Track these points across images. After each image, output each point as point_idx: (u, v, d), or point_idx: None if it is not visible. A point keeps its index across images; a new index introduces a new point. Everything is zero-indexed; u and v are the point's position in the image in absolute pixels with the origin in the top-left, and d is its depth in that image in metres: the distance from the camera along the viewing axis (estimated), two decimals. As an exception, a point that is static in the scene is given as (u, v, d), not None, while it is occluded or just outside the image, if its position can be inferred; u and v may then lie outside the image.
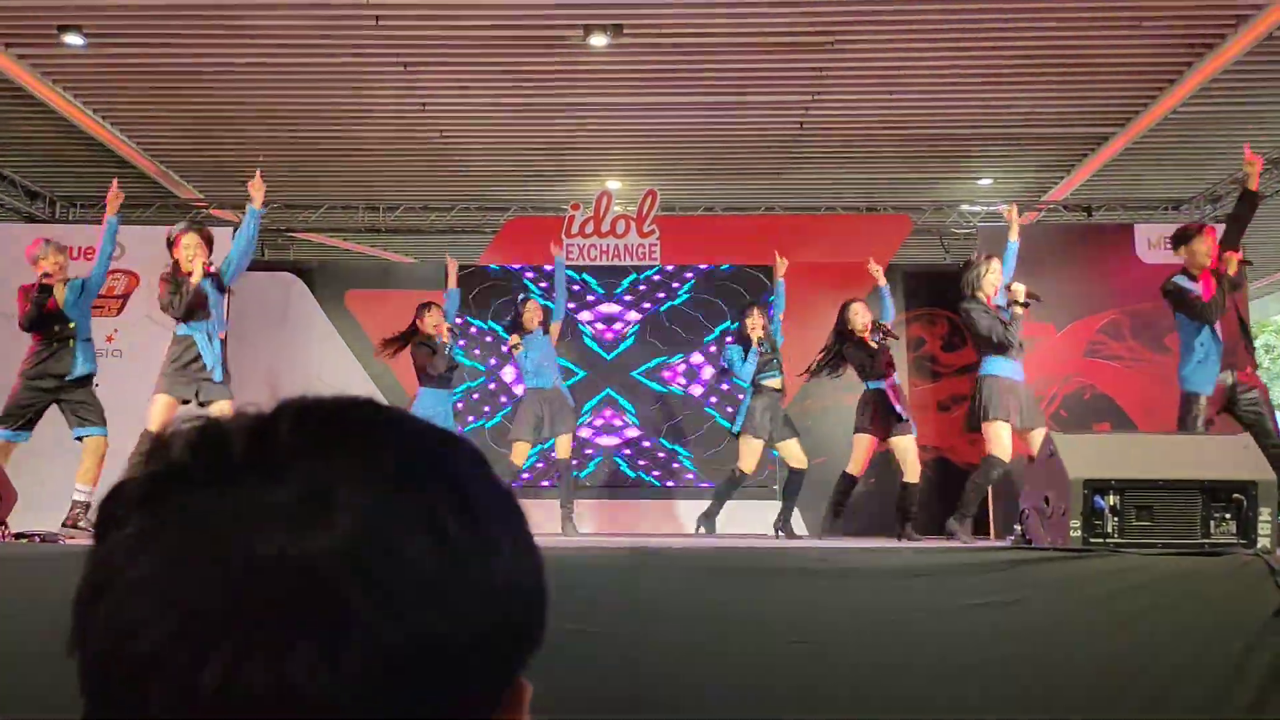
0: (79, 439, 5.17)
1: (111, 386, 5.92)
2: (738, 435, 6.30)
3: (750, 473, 6.24)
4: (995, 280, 5.47)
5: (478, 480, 0.50)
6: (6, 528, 3.43)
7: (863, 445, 6.01)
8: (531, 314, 6.48)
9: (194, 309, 5.19)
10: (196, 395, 5.17)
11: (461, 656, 0.45)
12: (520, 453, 6.38)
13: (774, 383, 6.27)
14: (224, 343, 5.34)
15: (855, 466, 6.02)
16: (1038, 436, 4.95)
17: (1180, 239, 5.31)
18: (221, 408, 5.17)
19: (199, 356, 5.16)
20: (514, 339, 6.47)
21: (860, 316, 6.18)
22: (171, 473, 0.46)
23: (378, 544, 0.44)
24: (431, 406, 6.18)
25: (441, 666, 0.45)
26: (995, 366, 5.36)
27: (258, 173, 5.39)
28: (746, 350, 6.26)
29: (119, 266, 7.71)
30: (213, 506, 0.44)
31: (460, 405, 7.92)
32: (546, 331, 6.56)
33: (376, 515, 0.45)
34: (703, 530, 6.24)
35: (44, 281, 5.20)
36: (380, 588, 0.43)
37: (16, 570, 2.72)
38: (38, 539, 3.43)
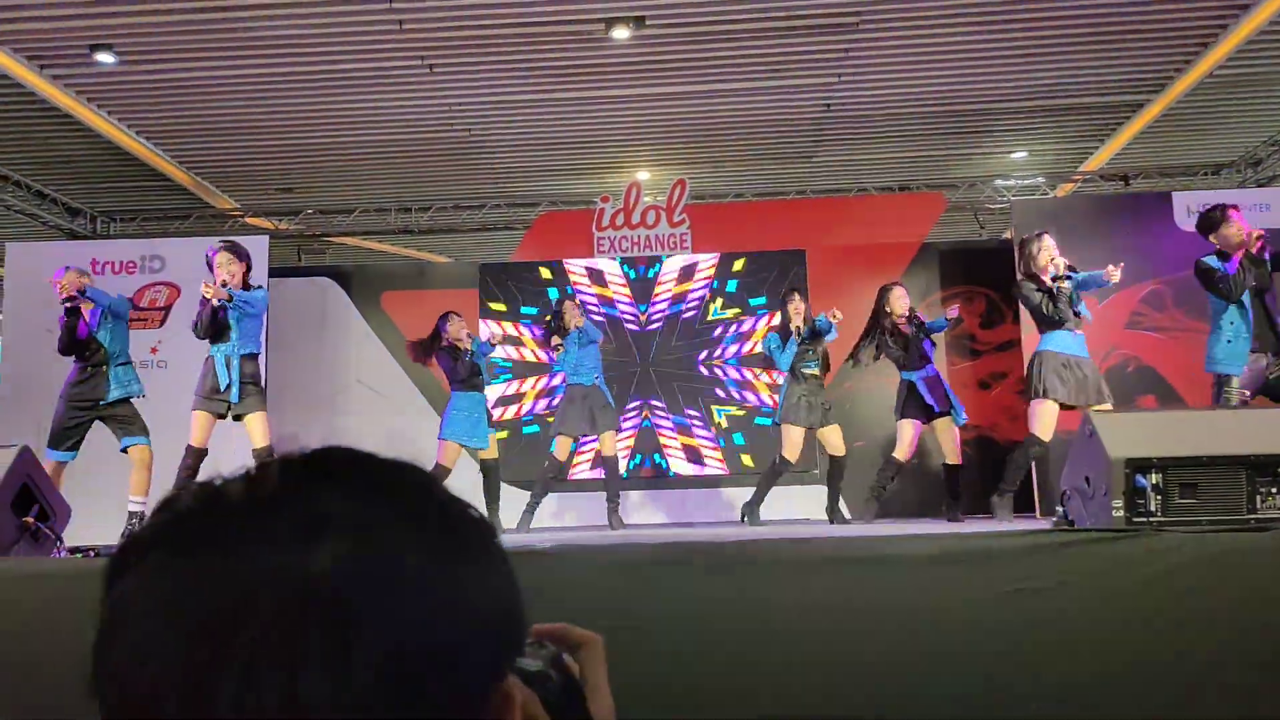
0: (124, 450, 5.30)
1: (157, 397, 6.05)
2: (779, 424, 6.32)
3: (793, 460, 6.23)
4: (1048, 256, 5.37)
5: (446, 502, 0.54)
6: (62, 543, 3.52)
7: (906, 431, 6.07)
8: (570, 314, 6.51)
9: (213, 331, 5.36)
10: (228, 410, 5.31)
11: (457, 659, 0.49)
12: (563, 448, 6.44)
13: (813, 370, 6.24)
14: (253, 358, 5.41)
15: (900, 451, 6.05)
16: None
17: (1206, 227, 5.18)
18: (253, 419, 5.30)
19: (219, 377, 5.32)
20: (555, 340, 6.55)
21: (899, 302, 6.14)
22: (178, 519, 0.49)
23: (375, 554, 0.48)
24: (465, 409, 6.29)
25: (440, 671, 0.48)
26: (1048, 342, 5.34)
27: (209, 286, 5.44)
28: (785, 338, 6.24)
29: (160, 279, 7.85)
30: (217, 541, 0.47)
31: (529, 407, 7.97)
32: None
33: (370, 530, 0.48)
34: (746, 520, 6.25)
35: (68, 305, 5.33)
36: (382, 594, 0.47)
37: (74, 586, 2.79)
38: (93, 554, 3.52)
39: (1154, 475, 2.86)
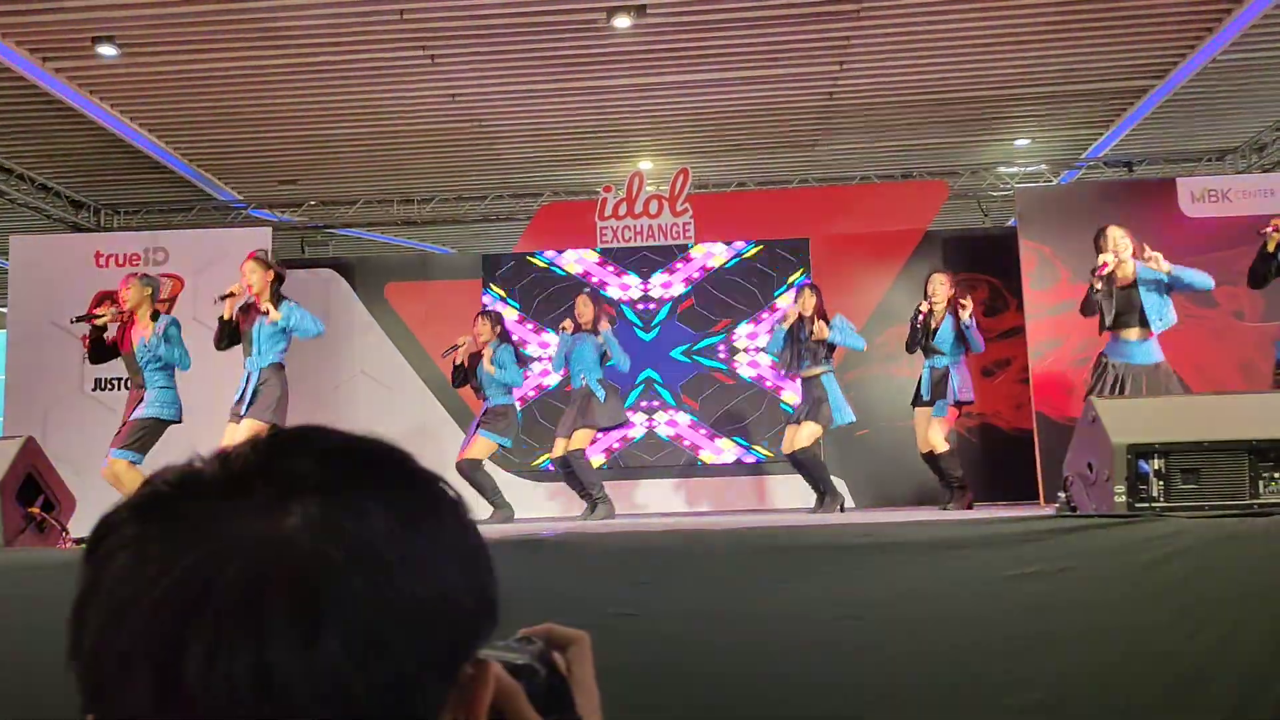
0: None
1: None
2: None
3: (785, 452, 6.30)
4: (1110, 249, 5.19)
5: (416, 472, 0.54)
6: (67, 533, 3.53)
7: (916, 421, 6.18)
8: (581, 308, 6.48)
9: (225, 342, 5.46)
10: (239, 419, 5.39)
11: (426, 628, 0.49)
12: (559, 447, 6.43)
13: (811, 371, 6.23)
14: (274, 369, 5.40)
15: (921, 444, 6.11)
16: None
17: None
18: (246, 425, 5.29)
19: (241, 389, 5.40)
20: (565, 323, 6.51)
21: (937, 288, 6.11)
22: (154, 495, 0.50)
23: (343, 519, 0.48)
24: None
25: (409, 638, 0.48)
26: (1106, 347, 5.25)
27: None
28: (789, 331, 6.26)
29: (163, 272, 7.87)
30: (189, 514, 0.48)
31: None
32: (595, 333, 6.43)
33: (338, 497, 0.49)
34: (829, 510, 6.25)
35: (95, 321, 5.34)
36: (350, 558, 0.47)
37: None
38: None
39: (1156, 461, 2.87)
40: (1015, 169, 8.65)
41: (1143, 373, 5.07)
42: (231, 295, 5.40)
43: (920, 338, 6.12)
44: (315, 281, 8.35)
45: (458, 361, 6.44)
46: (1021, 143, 8.53)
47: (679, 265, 8.29)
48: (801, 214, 8.33)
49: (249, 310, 5.45)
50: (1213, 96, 7.58)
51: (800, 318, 6.22)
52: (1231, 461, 2.86)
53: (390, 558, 0.48)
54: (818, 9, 6.08)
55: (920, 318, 6.12)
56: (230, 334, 5.47)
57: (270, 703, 0.44)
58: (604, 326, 6.42)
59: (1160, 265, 5.10)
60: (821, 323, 6.17)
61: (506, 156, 8.35)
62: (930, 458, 6.12)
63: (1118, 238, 5.19)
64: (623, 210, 7.98)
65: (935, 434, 6.03)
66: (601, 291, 7.90)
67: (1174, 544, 2.66)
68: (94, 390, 7.52)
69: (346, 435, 0.54)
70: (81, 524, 3.87)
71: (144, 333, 5.30)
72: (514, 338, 6.82)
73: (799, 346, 6.22)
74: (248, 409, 5.30)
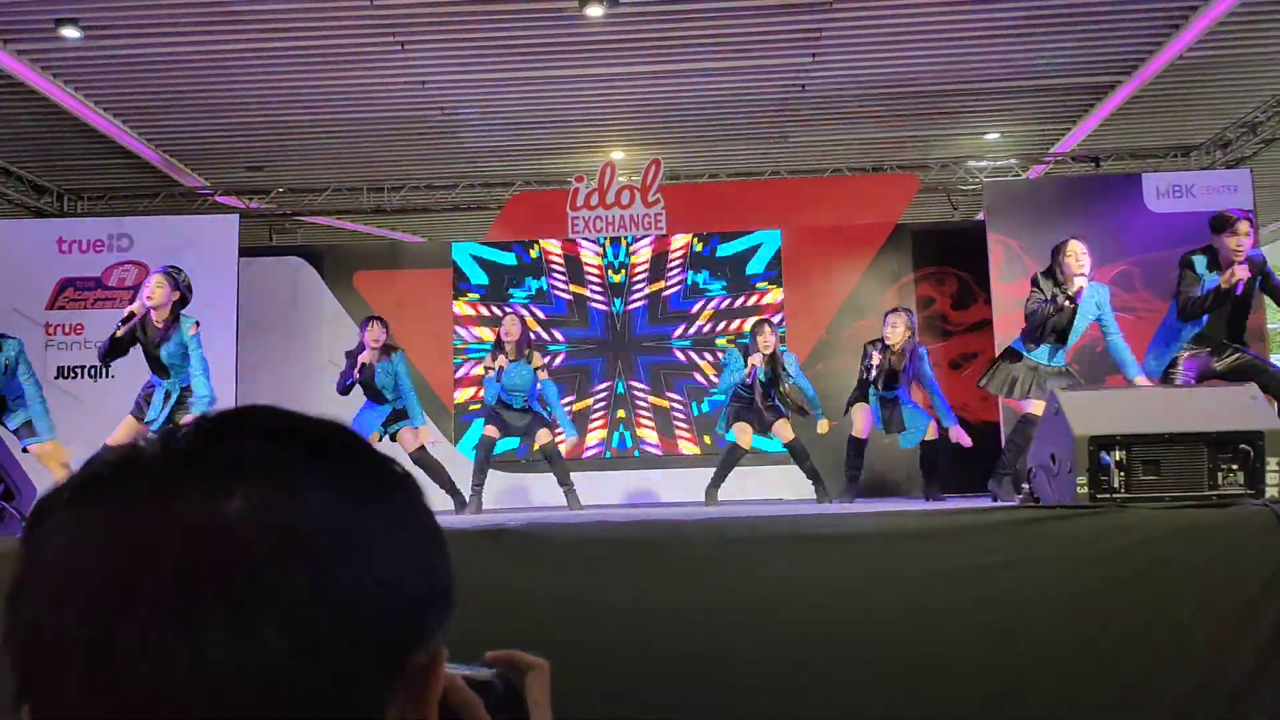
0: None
1: (124, 378, 5.99)
2: (724, 432, 6.34)
3: (746, 448, 6.27)
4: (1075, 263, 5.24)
5: (363, 453, 0.52)
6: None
7: (853, 410, 6.24)
8: (509, 328, 6.29)
9: (113, 356, 5.27)
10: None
11: (371, 616, 0.47)
12: (492, 432, 6.31)
13: (771, 419, 6.18)
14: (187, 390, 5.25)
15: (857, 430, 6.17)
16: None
17: (1216, 227, 4.95)
18: None
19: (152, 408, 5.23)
20: (487, 360, 6.33)
21: (893, 331, 6.10)
22: (94, 476, 0.48)
23: (286, 502, 0.46)
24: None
25: (351, 627, 0.46)
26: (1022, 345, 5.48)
27: None
28: (746, 358, 6.13)
29: (128, 258, 7.77)
30: (128, 496, 0.46)
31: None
32: (529, 361, 6.27)
33: (282, 476, 0.47)
34: (705, 502, 6.27)
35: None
36: (292, 542, 0.45)
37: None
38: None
39: (1118, 452, 2.90)
40: (985, 163, 8.72)
41: (1051, 374, 5.26)
42: (132, 315, 5.15)
43: (875, 381, 6.07)
44: (283, 269, 8.28)
45: (360, 368, 6.24)
46: (991, 137, 8.60)
47: (645, 251, 8.28)
48: (773, 205, 8.35)
49: (145, 329, 5.20)
50: (1178, 93, 7.67)
51: (758, 361, 6.09)
52: (1191, 453, 2.91)
53: (332, 543, 0.47)
54: (790, 1, 6.08)
55: (876, 361, 6.06)
56: (121, 349, 5.21)
57: (205, 694, 0.43)
58: (536, 361, 6.26)
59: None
60: (791, 385, 6.17)
61: (477, 145, 8.31)
62: (926, 444, 6.17)
63: (1079, 254, 5.24)
64: (594, 200, 7.96)
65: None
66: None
67: (1135, 534, 2.69)
68: (57, 378, 7.42)
69: (294, 416, 0.52)
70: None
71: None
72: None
73: (763, 393, 6.11)
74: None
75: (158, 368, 5.24)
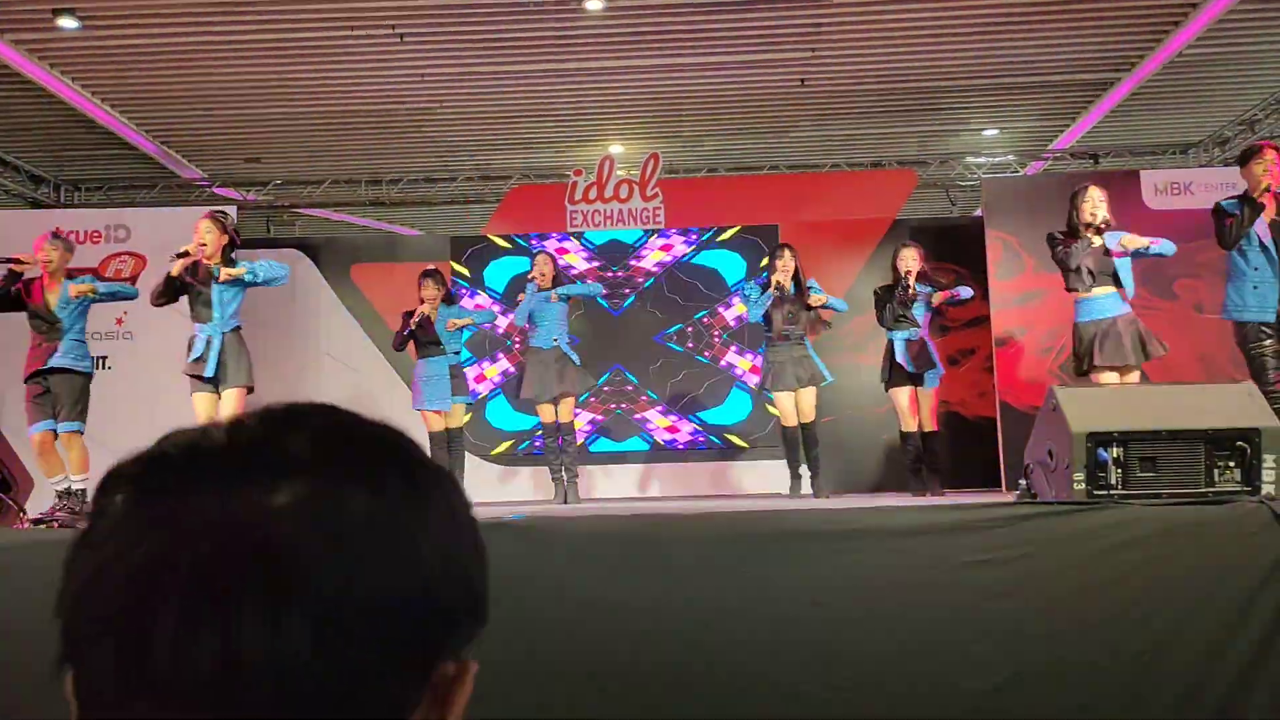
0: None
1: (122, 370, 5.98)
2: (768, 393, 6.32)
3: (792, 425, 6.22)
4: (1090, 209, 5.12)
5: (413, 458, 0.53)
6: (24, 513, 3.48)
7: (899, 400, 6.16)
8: (539, 267, 6.40)
9: (168, 298, 5.31)
10: (216, 388, 5.25)
11: (401, 620, 0.48)
12: (545, 413, 6.37)
13: (794, 330, 6.15)
14: (235, 333, 5.30)
15: (905, 423, 6.12)
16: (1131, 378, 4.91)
17: (1241, 161, 4.99)
18: (229, 395, 5.21)
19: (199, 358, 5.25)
20: (532, 274, 6.44)
21: (907, 260, 6.13)
22: (159, 458, 0.50)
23: (329, 500, 0.47)
24: (427, 375, 6.34)
25: (382, 629, 0.47)
26: (1078, 314, 5.19)
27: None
28: (765, 289, 6.18)
29: (125, 249, 7.75)
30: (185, 482, 0.48)
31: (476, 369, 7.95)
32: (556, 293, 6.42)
33: (327, 477, 0.48)
34: (789, 493, 6.22)
35: (14, 269, 5.17)
36: (330, 539, 0.46)
37: (35, 556, 2.76)
38: (56, 524, 3.49)
39: (1115, 449, 2.91)
40: (983, 159, 8.72)
41: (1117, 322, 5.06)
42: (186, 254, 5.20)
43: (898, 308, 6.10)
44: (281, 261, 8.26)
45: (413, 326, 6.37)
46: (990, 133, 8.59)
47: (645, 251, 8.28)
48: (771, 200, 8.35)
49: (197, 271, 5.25)
50: (1177, 90, 7.67)
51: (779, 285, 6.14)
52: (1188, 450, 2.91)
53: (369, 547, 0.47)
54: (790, -5, 6.08)
55: (901, 289, 6.08)
56: (172, 292, 5.27)
57: (229, 682, 0.43)
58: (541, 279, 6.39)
59: (1127, 247, 5.11)
60: (814, 295, 6.15)
61: (476, 138, 8.29)
62: (927, 436, 6.12)
63: (1097, 200, 5.15)
64: (593, 194, 7.95)
65: (926, 411, 6.08)
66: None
67: (1131, 531, 2.70)
68: (53, 369, 7.39)
69: (352, 417, 0.53)
70: (38, 504, 3.83)
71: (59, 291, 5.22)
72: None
73: (788, 308, 6.14)
74: (221, 376, 5.20)
75: (202, 312, 5.25)
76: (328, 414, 0.52)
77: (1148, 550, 2.69)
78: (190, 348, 5.25)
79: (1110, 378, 4.92)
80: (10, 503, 3.34)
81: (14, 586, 2.66)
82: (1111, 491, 2.89)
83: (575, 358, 6.38)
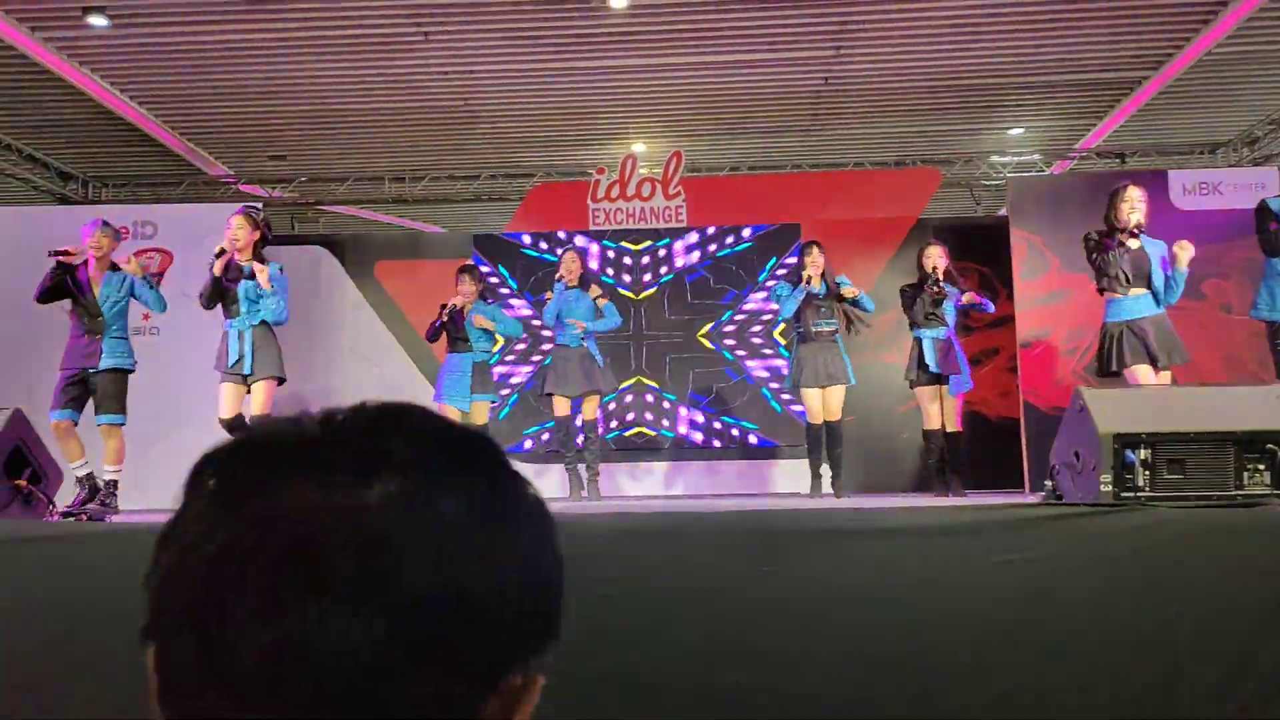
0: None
1: (146, 365, 6.02)
2: (796, 388, 6.31)
3: (818, 424, 6.21)
4: (1128, 209, 5.14)
5: (501, 469, 0.54)
6: (54, 506, 3.52)
7: (923, 399, 6.14)
8: (568, 265, 6.41)
9: (217, 300, 5.40)
10: (245, 381, 5.33)
11: (476, 626, 0.48)
12: (561, 406, 6.39)
13: (826, 328, 6.15)
14: (265, 326, 5.38)
15: (929, 422, 6.10)
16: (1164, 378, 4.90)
17: None
18: (258, 387, 5.28)
19: (231, 352, 5.35)
20: (548, 294, 6.48)
21: (934, 258, 6.13)
22: (252, 442, 0.51)
23: (420, 499, 0.48)
24: (450, 370, 6.40)
25: (457, 634, 0.47)
26: (1108, 313, 5.19)
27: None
28: (795, 285, 6.18)
29: (152, 245, 7.82)
30: (277, 467, 0.48)
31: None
32: (585, 290, 6.44)
33: (420, 479, 0.49)
34: (809, 494, 6.21)
35: (62, 260, 5.27)
36: (414, 538, 0.47)
37: (64, 548, 2.79)
38: (85, 517, 3.52)
39: (1143, 450, 2.88)
40: (1008, 158, 8.66)
41: (1145, 323, 5.06)
42: (224, 252, 5.33)
43: (930, 306, 6.07)
44: (305, 258, 8.31)
45: (445, 318, 6.41)
46: (1015, 132, 8.54)
47: (668, 250, 8.27)
48: (794, 199, 8.32)
49: (228, 268, 5.38)
50: (1206, 89, 7.60)
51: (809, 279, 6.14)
52: (1217, 452, 2.88)
53: (453, 553, 0.48)
54: (814, -7, 6.06)
55: (932, 284, 6.06)
56: (219, 294, 5.39)
57: (303, 668, 0.44)
58: (594, 292, 6.42)
59: (1181, 260, 5.07)
60: (845, 288, 6.16)
61: (499, 136, 8.32)
62: (950, 437, 6.10)
63: (1135, 200, 5.15)
64: (615, 192, 7.96)
65: (950, 411, 6.06)
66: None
67: (1158, 534, 2.68)
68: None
69: (447, 422, 0.54)
70: (67, 496, 3.87)
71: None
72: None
73: (819, 305, 6.14)
74: (252, 369, 5.27)
75: (231, 307, 5.36)
76: (422, 416, 0.53)
77: (1175, 554, 2.67)
78: (225, 348, 5.36)
79: (1145, 373, 4.91)
80: (41, 495, 3.38)
81: (45, 577, 2.69)
82: (1139, 494, 2.86)
83: (600, 357, 6.41)
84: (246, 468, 0.49)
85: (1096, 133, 8.37)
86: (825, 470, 6.25)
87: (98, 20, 6.10)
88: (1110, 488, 2.88)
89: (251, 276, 5.27)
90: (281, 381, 5.35)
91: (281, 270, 5.46)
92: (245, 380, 5.31)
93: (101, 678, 2.54)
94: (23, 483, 3.31)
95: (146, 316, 7.51)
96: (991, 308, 6.32)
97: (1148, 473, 2.87)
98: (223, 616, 0.45)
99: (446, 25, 6.38)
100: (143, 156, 8.53)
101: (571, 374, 6.29)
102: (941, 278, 6.06)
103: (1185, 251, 5.05)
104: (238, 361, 5.28)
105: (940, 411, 6.09)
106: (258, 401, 5.29)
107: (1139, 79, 7.38)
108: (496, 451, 0.54)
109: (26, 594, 2.67)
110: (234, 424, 5.29)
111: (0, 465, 3.21)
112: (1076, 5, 6.27)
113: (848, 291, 6.13)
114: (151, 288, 5.42)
